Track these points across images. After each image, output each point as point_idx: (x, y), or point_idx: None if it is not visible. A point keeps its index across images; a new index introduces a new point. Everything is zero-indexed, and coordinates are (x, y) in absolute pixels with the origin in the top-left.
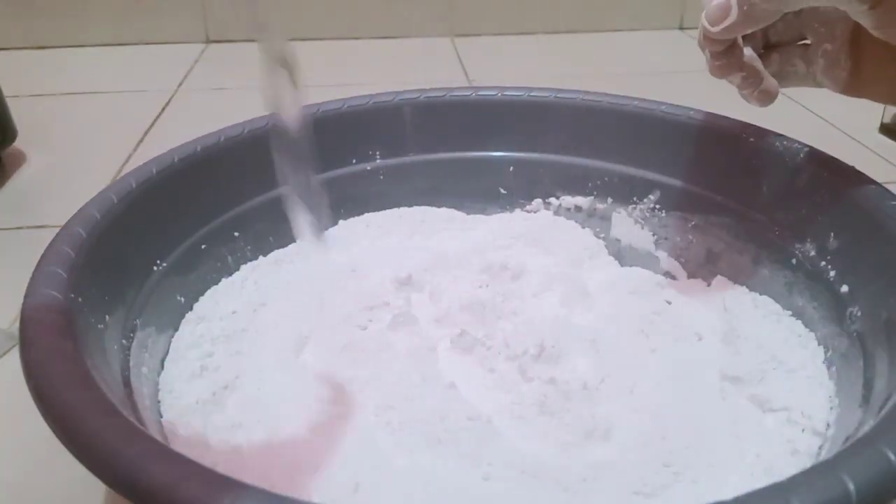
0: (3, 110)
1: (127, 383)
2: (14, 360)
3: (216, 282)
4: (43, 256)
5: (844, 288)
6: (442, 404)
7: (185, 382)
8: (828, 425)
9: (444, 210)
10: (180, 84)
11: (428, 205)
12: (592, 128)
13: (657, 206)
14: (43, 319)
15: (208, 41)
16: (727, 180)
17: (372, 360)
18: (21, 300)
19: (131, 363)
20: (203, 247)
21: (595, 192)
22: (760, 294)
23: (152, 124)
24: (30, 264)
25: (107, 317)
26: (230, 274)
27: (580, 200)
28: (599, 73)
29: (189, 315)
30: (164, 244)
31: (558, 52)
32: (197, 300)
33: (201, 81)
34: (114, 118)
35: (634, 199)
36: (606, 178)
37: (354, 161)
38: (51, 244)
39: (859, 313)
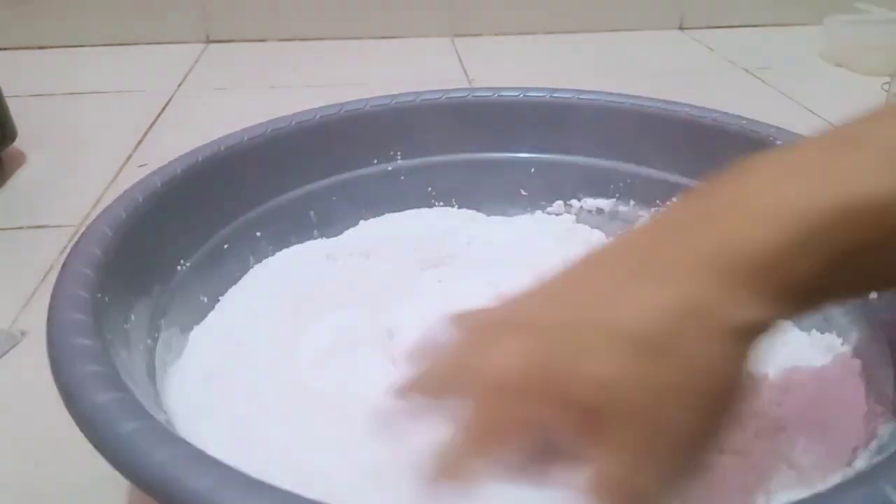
0: (3, 110)
1: (154, 383)
2: (14, 360)
3: (236, 281)
4: (70, 255)
5: (873, 293)
6: None
7: (193, 386)
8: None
9: (464, 211)
10: (180, 84)
11: (448, 205)
12: (615, 129)
13: None
14: (71, 319)
15: (208, 41)
16: None
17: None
18: (21, 300)
19: (157, 363)
20: (225, 246)
21: (618, 195)
22: None
23: (152, 124)
24: (30, 264)
25: (132, 316)
26: (249, 272)
27: (602, 203)
28: (599, 73)
29: (210, 315)
30: (187, 243)
31: (558, 52)
32: (218, 300)
33: (201, 81)
34: (114, 118)
35: (657, 201)
36: (629, 181)
37: (376, 161)
38: (77, 243)
39: (889, 318)
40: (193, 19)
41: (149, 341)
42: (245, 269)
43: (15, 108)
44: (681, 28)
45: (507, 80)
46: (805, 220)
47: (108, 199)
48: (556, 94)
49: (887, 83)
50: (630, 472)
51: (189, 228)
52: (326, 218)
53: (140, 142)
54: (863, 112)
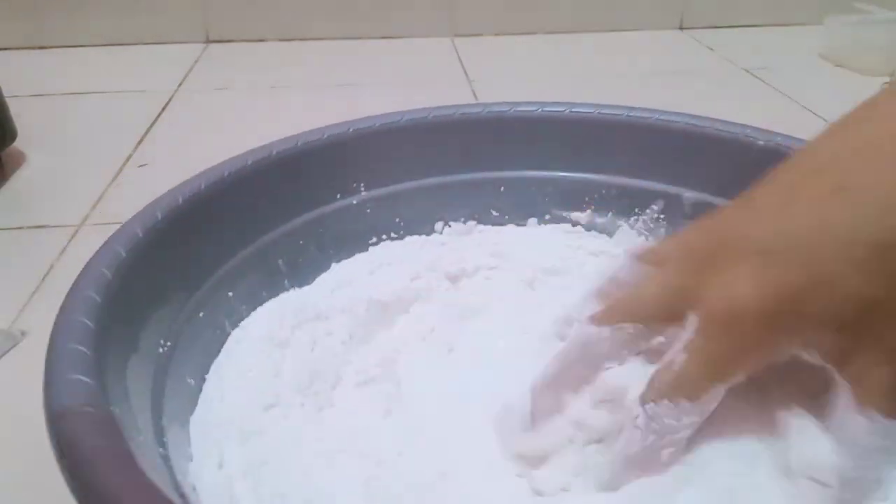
0: (3, 110)
1: (186, 501)
2: (14, 359)
3: (216, 353)
4: (54, 361)
5: None
6: None
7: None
8: None
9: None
10: (180, 84)
11: (417, 234)
12: (581, 140)
13: (661, 217)
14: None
15: (208, 41)
16: (733, 186)
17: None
18: (21, 300)
19: (176, 471)
20: (201, 314)
21: (593, 206)
22: None
23: (152, 124)
24: (30, 264)
25: (140, 423)
26: (228, 341)
27: (577, 216)
28: (600, 73)
29: (200, 400)
30: (163, 320)
31: (558, 52)
32: (204, 379)
33: (201, 81)
34: (114, 118)
35: (636, 210)
36: (604, 191)
37: (339, 196)
38: (55, 343)
39: None
40: (193, 19)
41: (161, 449)
42: (223, 338)
43: (15, 108)
44: (681, 28)
45: (507, 80)
46: None
47: (108, 199)
48: (518, 109)
49: (887, 83)
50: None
51: (162, 300)
52: (296, 265)
53: (140, 142)
54: None
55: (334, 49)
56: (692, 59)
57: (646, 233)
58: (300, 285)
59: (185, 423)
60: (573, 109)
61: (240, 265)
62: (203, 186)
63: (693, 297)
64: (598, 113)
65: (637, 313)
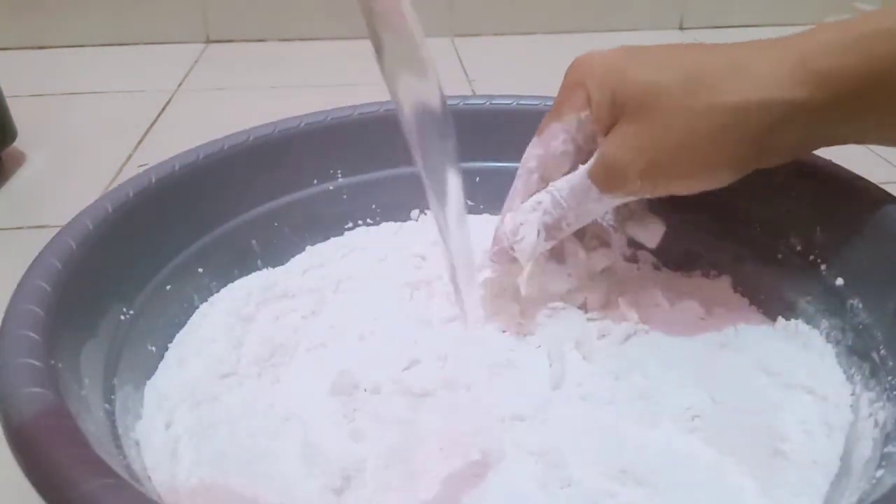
0: (3, 110)
1: (122, 453)
2: None
3: (183, 324)
4: (8, 318)
5: (839, 281)
6: None
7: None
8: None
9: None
10: (180, 84)
11: (392, 221)
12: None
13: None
14: (31, 394)
15: (208, 41)
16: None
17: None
18: None
19: (119, 430)
20: (168, 287)
21: None
22: (744, 288)
23: (152, 124)
24: (29, 264)
25: (86, 380)
26: (195, 314)
27: None
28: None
29: (160, 366)
30: (128, 289)
31: (558, 52)
32: (167, 348)
33: (201, 81)
34: (114, 118)
35: None
36: None
37: (316, 182)
38: (14, 302)
39: (860, 305)
40: (193, 19)
41: (106, 405)
42: (191, 311)
43: (15, 108)
44: (681, 28)
45: (507, 80)
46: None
47: None
48: (495, 101)
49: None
50: (623, 151)
51: (128, 272)
52: (269, 246)
53: (140, 142)
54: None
55: (334, 49)
56: None
57: (614, 225)
58: (273, 265)
59: (140, 386)
60: (547, 103)
61: (212, 244)
62: (177, 167)
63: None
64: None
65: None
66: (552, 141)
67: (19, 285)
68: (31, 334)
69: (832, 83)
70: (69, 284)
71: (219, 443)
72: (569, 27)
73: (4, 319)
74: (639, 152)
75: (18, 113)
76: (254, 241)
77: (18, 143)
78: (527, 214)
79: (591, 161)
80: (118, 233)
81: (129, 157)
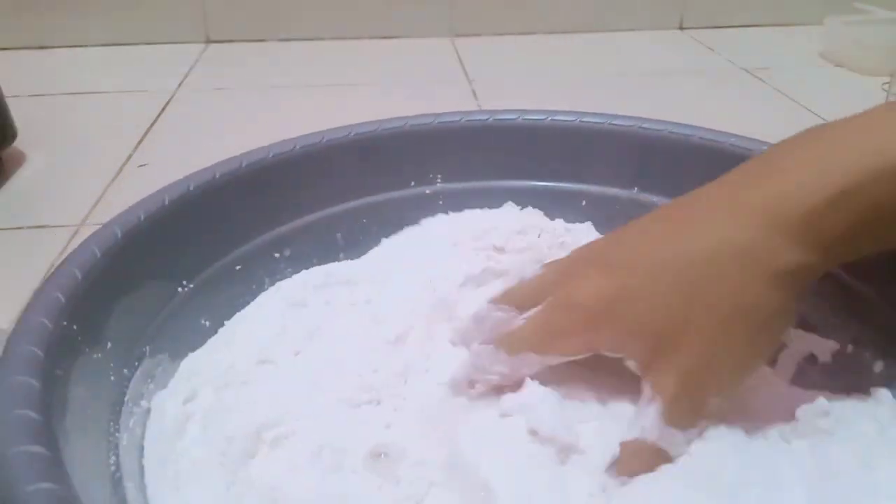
0: (3, 110)
1: (116, 419)
2: None
3: (245, 305)
4: (47, 280)
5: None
6: None
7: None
8: None
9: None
10: (180, 84)
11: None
12: (673, 161)
13: None
14: (12, 371)
15: (208, 41)
16: None
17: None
18: (21, 300)
19: (126, 397)
20: (238, 268)
21: None
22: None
23: (152, 124)
24: (30, 264)
25: (109, 344)
26: (262, 295)
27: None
28: (599, 73)
29: (210, 341)
30: (194, 262)
31: (558, 52)
32: (223, 324)
33: (201, 81)
34: (114, 118)
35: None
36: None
37: (413, 184)
38: (59, 266)
39: None
40: (193, 19)
41: (125, 370)
42: (257, 293)
43: (15, 108)
44: (681, 28)
45: (507, 80)
46: (846, 177)
47: (108, 199)
48: (584, 119)
49: (887, 83)
50: (687, 386)
51: (194, 248)
52: (354, 241)
53: (140, 142)
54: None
55: (334, 49)
56: (692, 59)
57: None
58: (354, 258)
59: (178, 357)
60: (642, 126)
61: (295, 232)
62: (271, 155)
63: (552, 291)
64: (668, 132)
65: (514, 299)
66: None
67: (75, 249)
68: (58, 295)
69: (824, 242)
70: (120, 252)
71: (229, 429)
72: (569, 27)
73: (47, 278)
74: (695, 385)
75: (18, 113)
76: (339, 235)
77: (18, 143)
78: None
79: (662, 408)
80: (189, 211)
81: (129, 157)
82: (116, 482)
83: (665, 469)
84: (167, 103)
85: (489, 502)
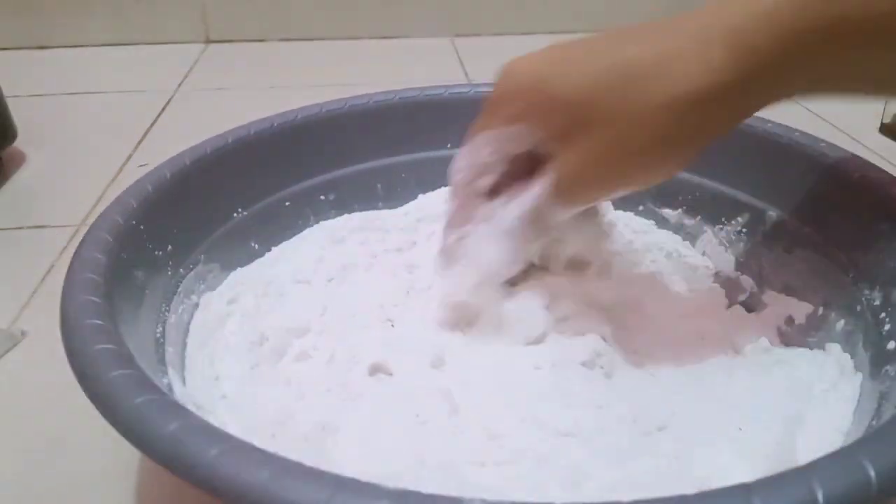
0: (3, 110)
1: (168, 304)
2: (14, 360)
3: (292, 235)
4: (124, 190)
5: (892, 345)
6: None
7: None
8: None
9: None
10: (180, 84)
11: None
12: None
13: (743, 230)
14: (86, 249)
15: (208, 41)
16: (816, 211)
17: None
18: (21, 300)
19: (179, 289)
20: (287, 204)
21: (684, 206)
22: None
23: (152, 124)
24: (30, 264)
25: (170, 246)
26: (307, 230)
27: (668, 213)
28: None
29: (257, 261)
30: (250, 195)
31: None
32: (270, 249)
33: (201, 81)
34: (114, 118)
35: (723, 219)
36: (698, 194)
37: (449, 146)
38: (134, 182)
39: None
40: (193, 19)
41: (181, 269)
42: (304, 227)
43: (15, 108)
44: None
45: None
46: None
47: (108, 199)
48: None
49: None
50: (580, 168)
51: (250, 182)
52: (393, 192)
53: (140, 142)
54: None
55: (334, 49)
56: None
57: (726, 244)
58: (391, 208)
59: (228, 269)
60: None
61: (339, 179)
62: (324, 110)
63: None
64: None
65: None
66: (481, 150)
67: (151, 170)
68: (132, 201)
69: (762, 55)
70: (186, 177)
71: (262, 327)
72: (569, 27)
73: (125, 189)
74: (594, 165)
75: (18, 113)
76: (379, 185)
77: (18, 143)
78: (477, 227)
79: (550, 176)
80: (247, 151)
81: (129, 157)
82: (159, 345)
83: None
84: (167, 103)
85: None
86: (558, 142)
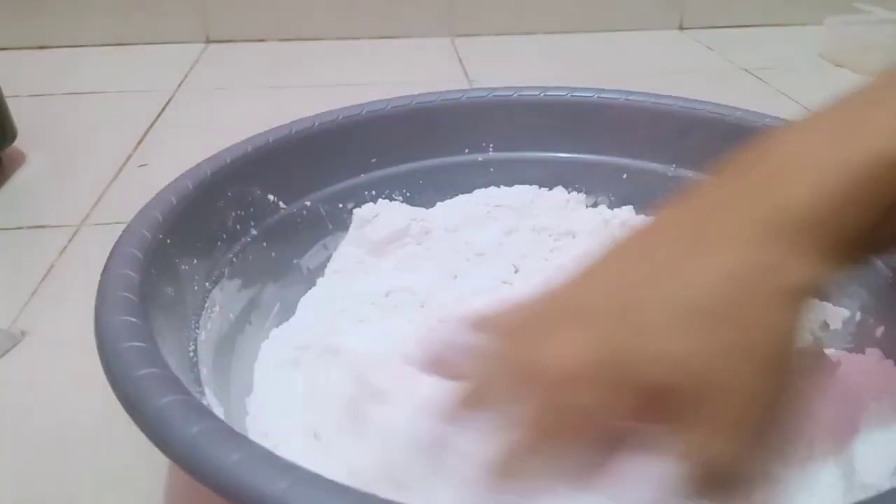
0: (3, 110)
1: (197, 319)
2: (14, 360)
3: (310, 248)
4: (148, 202)
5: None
6: None
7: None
8: None
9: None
10: (180, 84)
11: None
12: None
13: None
14: (117, 267)
15: (208, 41)
16: None
17: None
18: (21, 300)
19: (207, 304)
20: (304, 213)
21: None
22: None
23: (152, 124)
24: (30, 264)
25: (195, 260)
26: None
27: None
28: (600, 73)
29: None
30: (263, 211)
31: (558, 52)
32: (292, 262)
33: (201, 81)
34: (114, 118)
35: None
36: None
37: (467, 151)
38: (160, 192)
39: None
40: (193, 19)
41: (207, 284)
42: (325, 236)
43: (15, 108)
44: (681, 28)
45: (507, 80)
46: (847, 174)
47: (108, 199)
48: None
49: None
50: (724, 442)
51: (265, 195)
52: (412, 199)
53: (140, 142)
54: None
55: (334, 49)
56: (692, 59)
57: None
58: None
59: (251, 284)
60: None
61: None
62: (365, 112)
63: (534, 372)
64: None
65: (486, 400)
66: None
67: (173, 181)
68: (157, 215)
69: (836, 245)
70: (207, 189)
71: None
72: (569, 27)
73: (149, 201)
74: (737, 442)
75: (18, 113)
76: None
77: (18, 143)
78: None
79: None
80: (261, 163)
81: (129, 157)
82: (193, 364)
83: None
84: (167, 103)
85: None
86: (669, 425)
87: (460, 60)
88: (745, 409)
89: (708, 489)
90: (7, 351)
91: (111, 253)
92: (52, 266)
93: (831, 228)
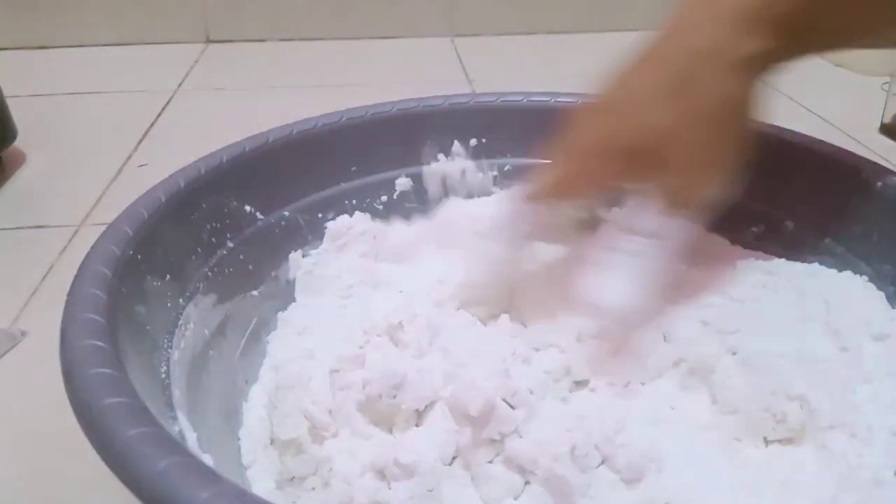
0: (3, 110)
1: (170, 337)
2: (14, 359)
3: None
4: (119, 216)
5: None
6: None
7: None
8: None
9: None
10: (180, 84)
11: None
12: None
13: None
14: (84, 285)
15: (208, 41)
16: (837, 221)
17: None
18: (21, 300)
19: (180, 322)
20: (283, 224)
21: None
22: None
23: (152, 124)
24: (30, 264)
25: (167, 276)
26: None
27: None
28: (600, 73)
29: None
30: (238, 223)
31: (558, 52)
32: (269, 275)
33: (201, 81)
34: (114, 118)
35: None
36: None
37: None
38: (129, 206)
39: None
40: (193, 19)
41: (180, 300)
42: (303, 246)
43: (15, 108)
44: None
45: (507, 80)
46: None
47: (108, 199)
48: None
49: (887, 83)
50: (690, 181)
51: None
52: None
53: (140, 142)
54: None
55: (334, 49)
56: None
57: None
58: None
59: (226, 298)
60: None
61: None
62: (343, 119)
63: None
64: None
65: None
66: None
67: (146, 193)
68: (126, 229)
69: (779, 25)
70: (180, 201)
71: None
72: (569, 27)
73: (119, 214)
74: (690, 188)
75: (18, 113)
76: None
77: (18, 143)
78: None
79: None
80: (225, 179)
81: (129, 157)
82: (165, 387)
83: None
84: (167, 103)
85: None
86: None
87: (460, 60)
88: (704, 157)
89: (675, 208)
90: (7, 351)
91: (77, 273)
92: (52, 266)
93: (764, 15)
